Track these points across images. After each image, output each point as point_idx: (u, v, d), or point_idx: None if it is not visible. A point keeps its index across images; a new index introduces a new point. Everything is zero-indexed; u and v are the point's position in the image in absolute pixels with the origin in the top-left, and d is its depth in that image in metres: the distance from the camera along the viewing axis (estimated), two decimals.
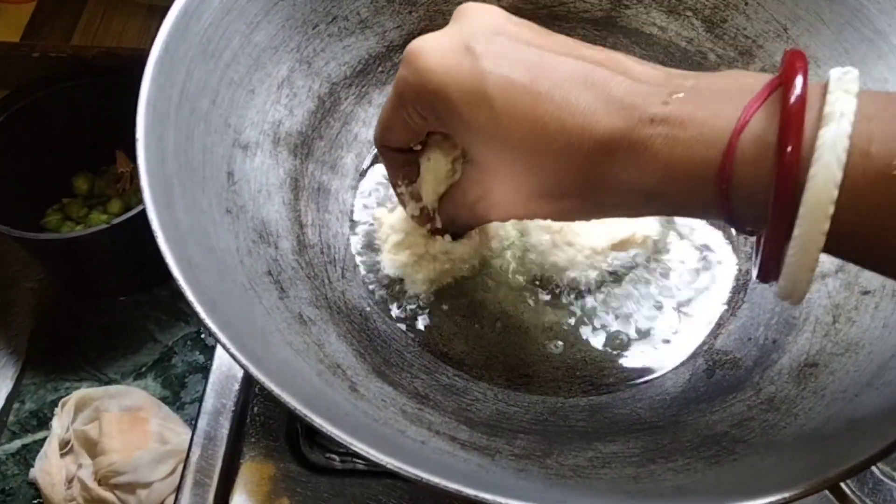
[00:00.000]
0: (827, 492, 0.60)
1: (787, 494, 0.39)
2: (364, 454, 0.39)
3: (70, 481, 0.79)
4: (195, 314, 0.43)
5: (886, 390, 0.47)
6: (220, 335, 0.41)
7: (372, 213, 0.66)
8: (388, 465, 0.38)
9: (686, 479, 0.46)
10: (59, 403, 0.85)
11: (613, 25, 0.73)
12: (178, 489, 0.58)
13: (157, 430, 0.80)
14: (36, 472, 0.81)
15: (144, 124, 0.49)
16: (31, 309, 0.99)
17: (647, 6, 0.72)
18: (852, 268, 0.58)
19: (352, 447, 0.39)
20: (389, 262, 0.62)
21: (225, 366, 0.65)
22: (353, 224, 0.65)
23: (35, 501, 0.83)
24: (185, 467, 0.60)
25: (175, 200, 0.49)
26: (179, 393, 0.93)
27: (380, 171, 0.68)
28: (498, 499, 0.37)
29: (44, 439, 0.86)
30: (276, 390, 0.40)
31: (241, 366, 0.41)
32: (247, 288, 0.51)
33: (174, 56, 0.53)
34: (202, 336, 0.97)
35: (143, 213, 0.45)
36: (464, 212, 0.54)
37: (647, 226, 0.64)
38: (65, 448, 0.81)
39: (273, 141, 0.62)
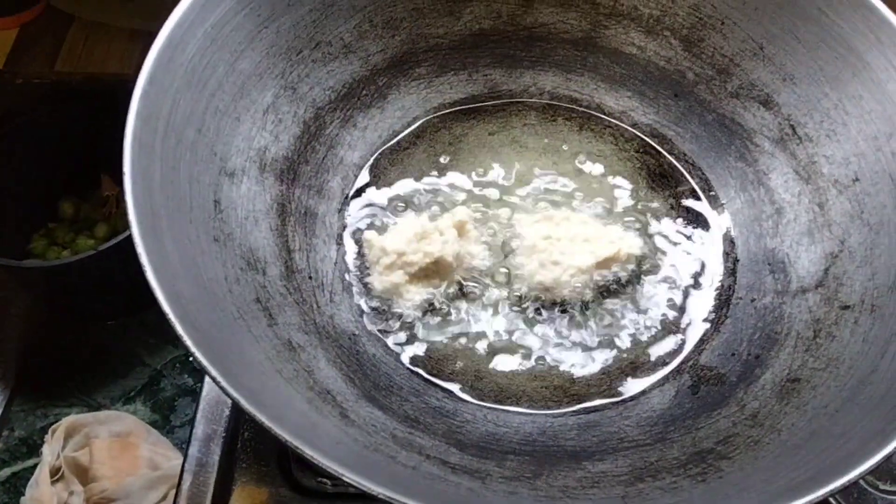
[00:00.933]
0: None
1: None
2: (357, 485, 0.39)
3: None
4: (186, 347, 0.44)
5: (867, 405, 0.48)
6: (211, 370, 0.42)
7: (361, 236, 0.66)
8: (381, 496, 0.39)
9: (673, 498, 0.47)
10: (49, 430, 0.85)
11: (593, 46, 0.74)
12: None
13: (148, 455, 0.80)
14: (27, 501, 0.81)
15: (131, 158, 0.50)
16: (19, 335, 0.99)
17: (625, 27, 0.73)
18: (832, 283, 0.59)
19: (344, 478, 0.39)
20: (380, 284, 0.63)
21: (215, 391, 0.65)
22: (341, 247, 0.66)
23: None
24: (176, 494, 0.60)
25: (163, 233, 0.49)
26: (169, 416, 0.93)
27: (367, 195, 0.69)
28: None
29: (34, 466, 0.85)
30: (268, 423, 0.41)
31: (233, 399, 0.41)
32: (236, 317, 0.51)
33: (159, 87, 0.54)
34: (190, 359, 0.97)
35: (130, 237, 0.45)
36: None
37: (631, 243, 0.65)
38: (56, 475, 0.80)
39: (259, 167, 0.63)
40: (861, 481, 0.63)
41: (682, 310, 0.63)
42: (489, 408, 0.58)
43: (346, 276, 0.64)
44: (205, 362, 0.42)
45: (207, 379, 0.66)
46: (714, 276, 0.65)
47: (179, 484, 0.60)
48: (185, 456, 0.61)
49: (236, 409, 0.64)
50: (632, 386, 0.59)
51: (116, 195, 1.03)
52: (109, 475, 0.77)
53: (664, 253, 0.66)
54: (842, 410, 0.49)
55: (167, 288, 0.45)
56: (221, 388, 0.42)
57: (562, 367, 0.60)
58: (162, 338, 0.98)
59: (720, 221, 0.68)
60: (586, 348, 0.61)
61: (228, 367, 0.44)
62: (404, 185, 0.70)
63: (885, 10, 0.61)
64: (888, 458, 0.41)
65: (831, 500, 0.62)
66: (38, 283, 0.91)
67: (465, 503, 0.41)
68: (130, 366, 0.97)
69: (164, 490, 0.78)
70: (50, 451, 0.81)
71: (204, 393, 0.64)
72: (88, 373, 0.97)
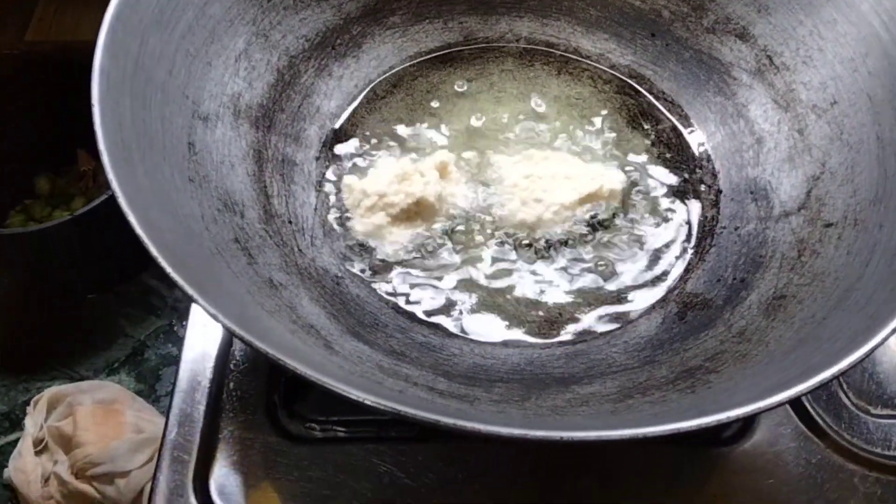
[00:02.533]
0: (806, 429, 0.61)
1: (759, 405, 0.39)
2: (348, 396, 0.38)
3: (46, 479, 0.77)
4: (165, 276, 0.42)
5: (854, 308, 0.47)
6: (191, 291, 0.41)
7: (341, 183, 0.65)
8: (369, 402, 0.38)
9: (662, 407, 0.46)
10: (31, 402, 0.83)
11: None
12: (156, 467, 0.57)
13: (133, 420, 0.79)
14: (10, 472, 0.79)
15: (99, 91, 0.49)
16: None
17: None
18: (814, 204, 0.59)
19: (337, 390, 0.38)
20: (361, 227, 0.62)
21: (198, 344, 0.64)
22: (321, 194, 0.65)
23: (11, 503, 0.81)
24: (161, 446, 0.59)
25: (135, 165, 0.48)
26: (154, 386, 0.92)
27: (345, 143, 0.68)
28: (478, 426, 0.37)
29: (17, 441, 0.84)
30: (257, 343, 0.40)
31: (219, 322, 0.40)
32: (214, 253, 0.50)
33: (126, 24, 0.53)
34: (175, 328, 0.96)
35: (107, 202, 0.45)
36: None
37: (613, 178, 0.65)
38: (39, 446, 0.79)
39: (233, 113, 0.62)
40: (851, 405, 0.63)
41: (665, 242, 0.63)
42: (476, 342, 0.57)
43: (327, 221, 0.63)
44: (186, 285, 0.41)
45: (189, 332, 0.65)
46: (695, 208, 0.65)
47: (164, 436, 0.59)
48: (169, 408, 0.60)
49: (221, 359, 0.63)
50: (618, 316, 0.59)
51: (93, 169, 1.01)
52: (94, 440, 0.76)
53: (646, 188, 0.66)
54: (829, 317, 0.49)
55: (141, 215, 0.44)
56: (206, 310, 0.41)
57: (547, 302, 0.60)
58: (144, 308, 0.96)
59: (701, 155, 0.68)
60: (571, 283, 0.61)
61: (210, 293, 0.43)
62: (382, 133, 0.69)
63: None
64: (877, 347, 0.41)
65: (823, 425, 0.62)
66: (14, 253, 0.89)
67: (454, 415, 0.40)
68: (113, 337, 0.95)
69: (150, 452, 0.76)
70: (32, 423, 0.80)
71: (186, 346, 0.63)
72: (70, 346, 0.95)
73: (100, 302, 0.97)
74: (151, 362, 0.93)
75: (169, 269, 0.41)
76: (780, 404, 0.39)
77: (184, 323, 0.96)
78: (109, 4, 0.52)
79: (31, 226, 0.95)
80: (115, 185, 0.44)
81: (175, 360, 0.94)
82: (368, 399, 0.38)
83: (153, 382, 0.92)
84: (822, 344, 0.46)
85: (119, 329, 0.96)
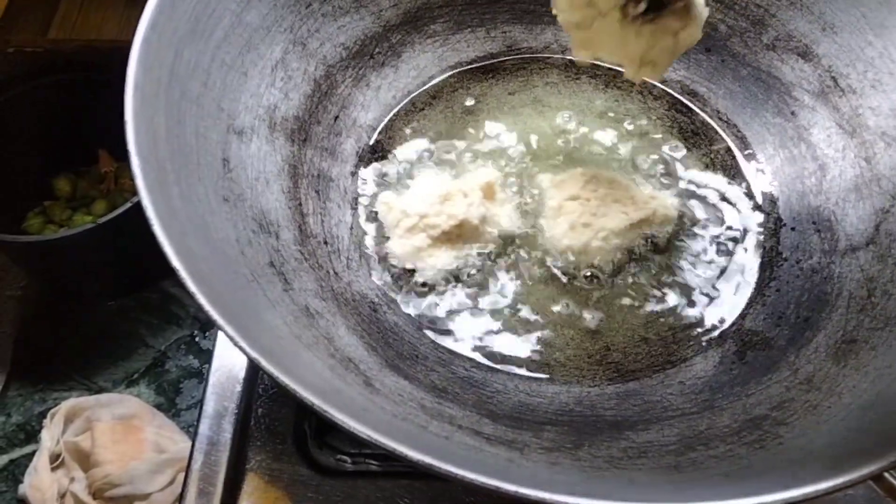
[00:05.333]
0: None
1: (842, 480, 0.36)
2: (390, 451, 0.35)
3: (62, 496, 0.74)
4: (198, 307, 0.40)
5: None
6: (226, 327, 0.38)
7: (379, 199, 0.62)
8: (418, 463, 0.35)
9: (731, 465, 0.43)
10: (48, 415, 0.81)
11: None
12: (181, 499, 0.55)
13: (153, 438, 0.76)
14: (25, 489, 0.77)
15: (133, 106, 0.46)
16: (14, 318, 0.94)
17: None
18: (884, 239, 0.56)
19: (378, 444, 0.35)
20: (400, 249, 0.59)
21: (225, 366, 0.61)
22: (357, 211, 0.62)
23: None
24: (186, 476, 0.56)
25: (170, 187, 0.45)
26: (175, 399, 0.89)
27: (382, 157, 0.65)
28: (540, 494, 0.34)
29: (32, 453, 0.81)
30: (292, 384, 0.37)
31: (251, 358, 0.38)
32: (249, 280, 0.47)
33: (161, 35, 0.50)
34: (196, 339, 0.93)
35: (130, 211, 0.42)
36: None
37: (665, 203, 0.61)
38: (56, 461, 0.76)
39: (269, 126, 0.59)
40: None
41: (721, 273, 0.60)
42: (521, 377, 0.54)
43: (364, 241, 0.60)
44: (220, 320, 0.38)
45: (217, 352, 0.62)
46: (754, 237, 0.61)
47: (189, 464, 0.56)
48: (195, 435, 0.57)
49: (249, 383, 0.60)
50: (672, 353, 0.56)
51: (115, 171, 0.98)
52: (112, 459, 0.74)
53: (700, 214, 0.62)
54: None
55: (177, 243, 0.41)
56: (238, 346, 0.38)
57: (597, 334, 0.56)
58: (165, 318, 0.94)
59: (759, 180, 0.64)
60: (620, 315, 0.57)
61: (245, 327, 0.40)
62: (420, 147, 0.66)
63: None
64: None
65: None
66: (34, 261, 0.87)
67: (506, 473, 0.37)
68: (133, 348, 0.93)
69: (172, 474, 0.74)
70: (49, 437, 0.77)
71: (213, 367, 0.60)
72: (88, 355, 0.93)
73: (120, 309, 0.94)
74: (172, 374, 0.91)
75: (209, 308, 0.38)
76: (870, 476, 0.36)
77: (206, 334, 0.94)
78: (143, 14, 0.49)
79: (49, 228, 0.92)
80: (150, 212, 0.41)
81: (196, 373, 0.92)
82: (423, 459, 0.35)
83: (173, 396, 0.90)
84: None
85: (139, 339, 0.93)
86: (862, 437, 0.41)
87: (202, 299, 0.39)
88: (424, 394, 0.49)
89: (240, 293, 0.45)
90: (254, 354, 0.37)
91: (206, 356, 0.87)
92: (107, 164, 0.98)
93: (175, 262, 0.40)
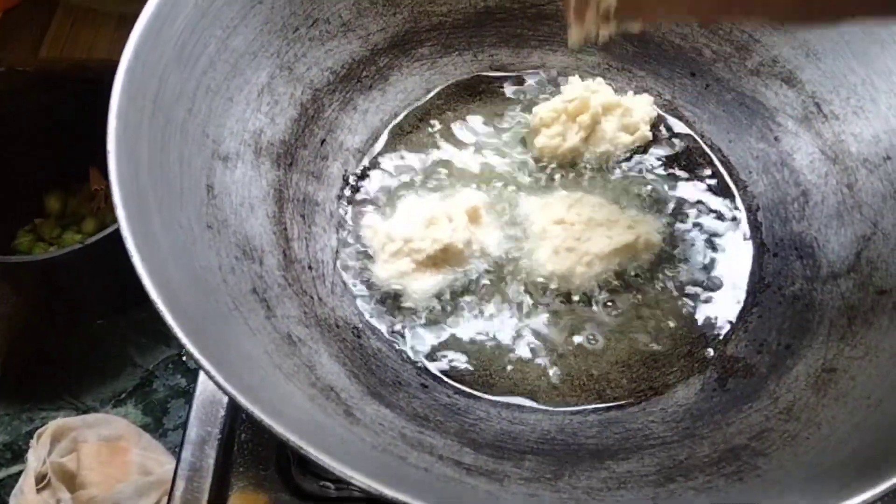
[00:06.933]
0: None
1: None
2: (366, 487, 0.35)
3: None
4: (176, 339, 0.40)
5: None
6: (203, 362, 0.38)
7: (364, 223, 0.62)
8: (392, 499, 0.35)
9: (709, 498, 0.43)
10: (35, 435, 0.81)
11: None
12: None
13: (139, 460, 0.76)
14: None
15: (115, 136, 0.46)
16: (2, 334, 0.94)
17: None
18: (865, 267, 0.56)
19: (352, 481, 0.35)
20: (384, 273, 0.59)
21: (209, 391, 0.61)
22: (342, 235, 0.62)
23: None
24: (169, 501, 0.56)
25: (151, 216, 0.45)
26: (161, 419, 0.89)
27: (368, 180, 0.65)
28: None
29: (19, 473, 0.81)
30: (268, 421, 0.37)
31: (228, 395, 0.38)
32: (231, 308, 0.48)
33: (146, 63, 0.50)
34: (184, 359, 0.93)
35: (118, 231, 0.42)
36: None
37: (650, 228, 0.62)
38: (42, 482, 0.76)
39: (254, 151, 0.59)
40: None
41: (704, 299, 0.60)
42: (503, 404, 0.54)
43: (348, 266, 0.60)
44: (198, 355, 0.38)
45: (201, 377, 0.62)
46: (737, 262, 0.62)
47: (172, 490, 0.56)
48: (178, 460, 0.57)
49: (232, 409, 0.60)
50: (654, 380, 0.56)
51: (105, 189, 0.98)
52: (98, 481, 0.73)
53: (683, 238, 0.63)
54: (886, 401, 0.45)
55: (157, 275, 0.41)
56: (216, 382, 0.38)
57: (578, 360, 0.57)
58: (153, 337, 0.94)
59: (742, 205, 0.64)
60: (604, 340, 0.58)
61: (224, 360, 0.41)
62: (407, 170, 0.66)
63: None
64: None
65: None
66: (22, 280, 0.87)
67: None
68: (121, 366, 0.93)
69: (156, 497, 0.74)
70: (35, 457, 0.77)
71: (197, 392, 0.60)
72: (76, 374, 0.93)
73: (108, 328, 0.94)
74: (159, 394, 0.91)
75: (187, 343, 0.38)
76: None
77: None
78: (127, 42, 0.49)
79: (39, 247, 0.92)
80: (129, 243, 0.41)
81: (184, 392, 0.92)
82: (399, 497, 0.35)
83: (160, 415, 0.89)
84: (882, 434, 0.42)
85: (127, 358, 0.93)
86: (839, 471, 0.41)
87: (180, 334, 0.39)
88: (405, 422, 0.49)
89: (220, 324, 0.45)
90: (231, 391, 0.37)
91: (194, 375, 0.87)
92: (97, 182, 0.98)
93: (154, 295, 0.40)
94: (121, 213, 0.43)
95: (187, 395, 0.90)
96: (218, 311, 0.46)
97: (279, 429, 0.37)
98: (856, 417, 0.46)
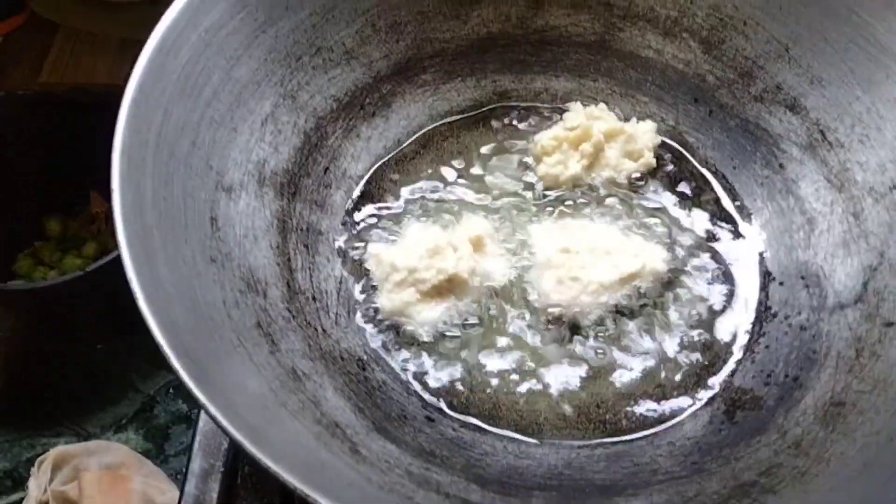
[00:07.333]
0: None
1: None
2: None
3: None
4: (182, 382, 0.40)
5: None
6: (210, 407, 0.38)
7: (368, 252, 0.62)
8: None
9: None
10: (36, 462, 0.80)
11: (607, 49, 0.71)
12: None
13: (141, 488, 0.76)
14: None
15: (119, 173, 0.46)
16: (2, 360, 0.94)
17: (641, 29, 0.69)
18: (872, 297, 0.56)
19: None
20: (389, 303, 0.58)
21: (212, 423, 0.60)
22: (346, 265, 0.62)
23: None
24: None
25: (155, 254, 0.45)
26: (163, 445, 0.88)
27: (372, 207, 0.65)
28: None
29: (19, 501, 0.80)
30: (274, 467, 0.37)
31: (234, 440, 0.37)
32: (235, 345, 0.47)
33: (150, 96, 0.50)
34: (192, 395, 0.92)
35: (120, 257, 0.42)
36: None
37: (655, 256, 0.61)
38: None
39: (258, 181, 0.59)
40: None
41: (710, 328, 0.60)
42: (509, 438, 0.54)
43: (353, 296, 0.60)
44: (203, 398, 0.38)
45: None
46: (743, 291, 0.61)
47: None
48: (182, 493, 0.57)
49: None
50: (661, 411, 0.55)
51: (106, 212, 0.98)
52: None
53: (689, 266, 0.63)
54: None
55: (161, 316, 0.41)
56: (222, 427, 0.38)
57: (585, 392, 0.56)
58: (154, 361, 0.93)
59: (747, 233, 0.64)
60: (611, 373, 0.57)
61: (229, 401, 0.40)
62: (410, 197, 0.66)
63: None
64: None
65: None
66: (22, 306, 0.86)
67: None
68: (122, 392, 0.92)
69: None
70: (36, 485, 0.77)
71: (200, 424, 0.60)
72: (77, 399, 0.92)
73: (109, 353, 0.93)
74: (160, 419, 0.90)
75: (192, 387, 0.38)
76: None
77: None
78: (132, 76, 0.49)
79: (39, 271, 0.92)
80: (134, 283, 0.41)
81: (185, 418, 0.92)
82: None
83: (162, 442, 0.89)
84: (893, 476, 0.42)
85: (128, 383, 0.92)
86: None
87: (186, 378, 0.39)
88: (412, 459, 0.49)
89: (225, 362, 0.45)
90: (237, 436, 0.37)
91: (195, 400, 0.87)
92: (98, 205, 0.98)
93: (159, 338, 0.40)
94: (125, 254, 0.42)
95: (189, 420, 0.90)
96: (223, 348, 0.46)
97: (284, 475, 0.36)
98: (865, 455, 0.45)
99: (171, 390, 0.92)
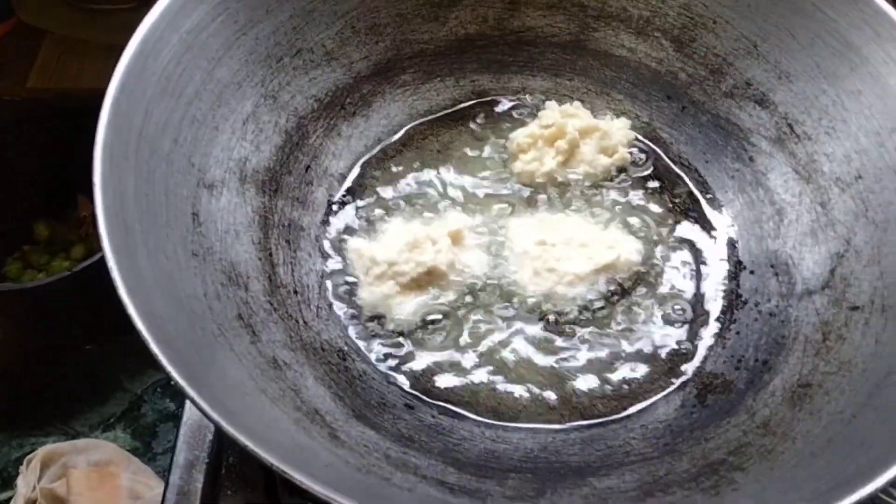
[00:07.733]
0: None
1: None
2: None
3: None
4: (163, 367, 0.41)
5: (886, 409, 0.45)
6: (189, 390, 0.39)
7: (348, 246, 0.63)
8: None
9: None
10: (25, 461, 0.81)
11: (582, 49, 0.72)
12: None
13: (128, 484, 0.76)
14: None
15: (101, 170, 0.47)
16: None
17: (615, 28, 0.71)
18: (839, 283, 0.57)
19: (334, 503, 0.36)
20: (369, 296, 0.60)
21: (196, 415, 0.61)
22: (327, 259, 0.63)
23: None
24: None
25: (137, 247, 0.46)
26: (151, 443, 0.89)
27: (353, 204, 0.66)
28: None
29: (8, 500, 0.81)
30: (252, 446, 0.38)
31: (213, 422, 0.39)
32: (216, 335, 0.48)
33: (131, 96, 0.51)
34: (172, 382, 0.93)
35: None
36: None
37: (629, 248, 0.63)
38: None
39: (240, 179, 0.60)
40: None
41: (683, 316, 0.61)
42: (487, 424, 0.55)
43: (334, 289, 0.61)
44: (183, 383, 0.39)
45: (188, 402, 0.62)
46: (715, 280, 0.63)
47: None
48: (167, 484, 0.58)
49: (220, 433, 0.60)
50: (635, 396, 0.57)
51: (93, 215, 0.99)
52: None
53: (663, 257, 0.64)
54: (859, 416, 0.47)
55: (142, 306, 0.42)
56: (201, 409, 0.39)
57: (561, 378, 0.58)
58: (142, 361, 0.94)
59: (719, 224, 0.66)
60: (586, 359, 0.59)
61: (209, 387, 0.41)
62: (391, 194, 0.67)
63: (881, 3, 0.60)
64: None
65: None
66: (11, 306, 0.87)
67: None
68: (110, 391, 0.93)
69: None
70: (25, 483, 0.77)
71: (185, 417, 0.61)
72: (66, 399, 0.93)
73: (97, 352, 0.94)
74: (148, 418, 0.91)
75: (173, 372, 0.39)
76: None
77: None
78: (113, 76, 0.51)
79: (28, 274, 0.93)
80: (116, 275, 0.42)
81: (172, 416, 0.93)
82: None
83: (149, 440, 0.90)
84: (854, 450, 0.44)
85: (116, 382, 0.93)
86: (813, 485, 0.42)
87: (165, 362, 0.40)
88: (390, 443, 0.50)
89: (206, 351, 0.46)
90: (216, 418, 0.38)
91: (182, 399, 0.88)
92: (85, 209, 0.99)
93: (140, 325, 0.41)
94: (107, 245, 0.44)
95: (176, 418, 0.91)
96: (203, 338, 0.47)
97: (263, 454, 0.38)
98: (829, 432, 0.47)
99: (158, 389, 0.93)
